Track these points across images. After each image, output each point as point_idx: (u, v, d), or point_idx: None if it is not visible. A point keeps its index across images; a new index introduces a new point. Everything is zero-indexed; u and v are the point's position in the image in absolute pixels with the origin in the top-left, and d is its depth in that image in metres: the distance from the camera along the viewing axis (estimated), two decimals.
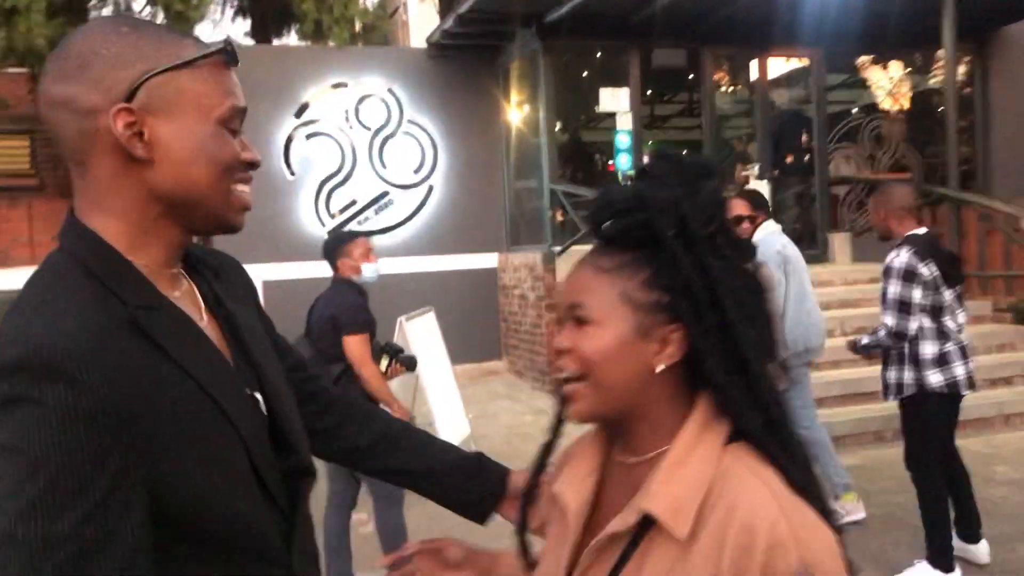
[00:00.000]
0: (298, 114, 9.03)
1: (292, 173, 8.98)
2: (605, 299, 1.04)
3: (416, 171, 9.44)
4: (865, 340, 3.89)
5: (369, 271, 3.96)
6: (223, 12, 10.91)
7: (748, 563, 0.93)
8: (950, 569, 3.73)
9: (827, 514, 0.98)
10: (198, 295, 1.10)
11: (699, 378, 1.03)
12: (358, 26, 9.79)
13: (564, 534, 1.10)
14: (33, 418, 0.85)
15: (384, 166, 9.31)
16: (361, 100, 9.22)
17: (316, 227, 9.04)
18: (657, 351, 1.02)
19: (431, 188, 9.49)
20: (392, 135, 9.34)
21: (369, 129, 9.24)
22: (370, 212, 9.24)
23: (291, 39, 11.53)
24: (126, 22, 1.02)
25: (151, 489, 0.92)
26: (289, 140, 8.98)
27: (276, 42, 11.50)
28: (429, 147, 9.48)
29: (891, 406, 4.07)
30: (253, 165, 1.07)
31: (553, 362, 1.15)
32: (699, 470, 1.00)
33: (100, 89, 0.96)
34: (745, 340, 1.01)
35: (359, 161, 9.20)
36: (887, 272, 3.78)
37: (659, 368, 1.02)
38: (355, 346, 3.81)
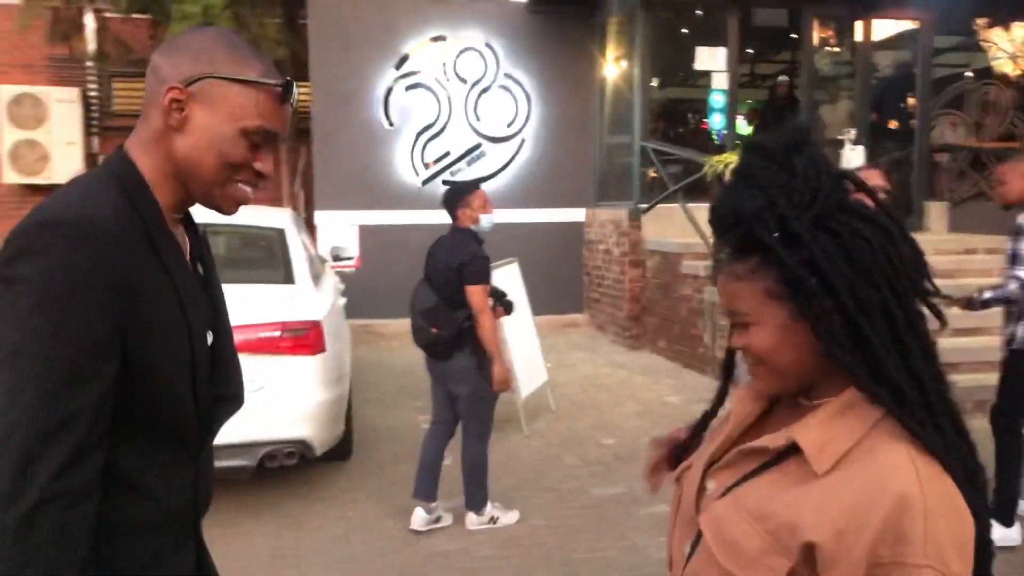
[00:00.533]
0: (398, 66, 9.29)
1: (390, 123, 9.28)
2: (753, 301, 1.14)
3: (509, 124, 9.61)
4: (987, 295, 3.87)
5: (487, 221, 4.21)
6: None
7: (869, 515, 1.00)
8: (1010, 524, 3.89)
9: (977, 505, 1.04)
10: (187, 243, 1.37)
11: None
12: None
13: (721, 432, 1.27)
14: (56, 261, 1.10)
15: (478, 119, 9.51)
16: (459, 53, 9.41)
17: (411, 176, 9.34)
18: (817, 330, 1.10)
19: (523, 142, 9.66)
20: (487, 88, 9.52)
21: (465, 82, 9.44)
22: (462, 164, 9.48)
23: None
24: (227, 35, 1.31)
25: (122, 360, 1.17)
26: (389, 91, 9.26)
27: None
28: (523, 101, 9.63)
29: (971, 377, 4.12)
30: (261, 175, 1.32)
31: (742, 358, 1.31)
32: (853, 424, 1.09)
33: (174, 69, 1.26)
34: (885, 310, 1.07)
35: (454, 113, 9.43)
36: (1019, 231, 3.84)
37: (827, 344, 1.09)
38: (478, 295, 4.04)
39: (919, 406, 1.06)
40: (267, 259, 5.10)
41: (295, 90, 1.31)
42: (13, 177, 10.43)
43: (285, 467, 4.35)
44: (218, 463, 4.17)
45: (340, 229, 9.16)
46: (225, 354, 1.41)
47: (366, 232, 9.21)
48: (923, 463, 1.02)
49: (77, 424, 1.10)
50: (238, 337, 4.12)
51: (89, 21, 10.09)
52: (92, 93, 11.15)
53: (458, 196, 4.20)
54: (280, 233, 5.14)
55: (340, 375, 4.70)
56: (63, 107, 10.69)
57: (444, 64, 9.39)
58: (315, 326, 4.36)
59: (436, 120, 9.41)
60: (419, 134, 9.37)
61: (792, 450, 1.12)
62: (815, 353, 1.11)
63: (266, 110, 1.28)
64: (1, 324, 1.11)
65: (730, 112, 9.11)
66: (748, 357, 1.18)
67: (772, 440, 1.15)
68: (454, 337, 4.05)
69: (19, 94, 10.49)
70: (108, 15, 9.70)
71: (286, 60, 9.99)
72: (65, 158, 10.71)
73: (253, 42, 8.64)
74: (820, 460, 1.08)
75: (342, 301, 5.79)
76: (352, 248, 9.00)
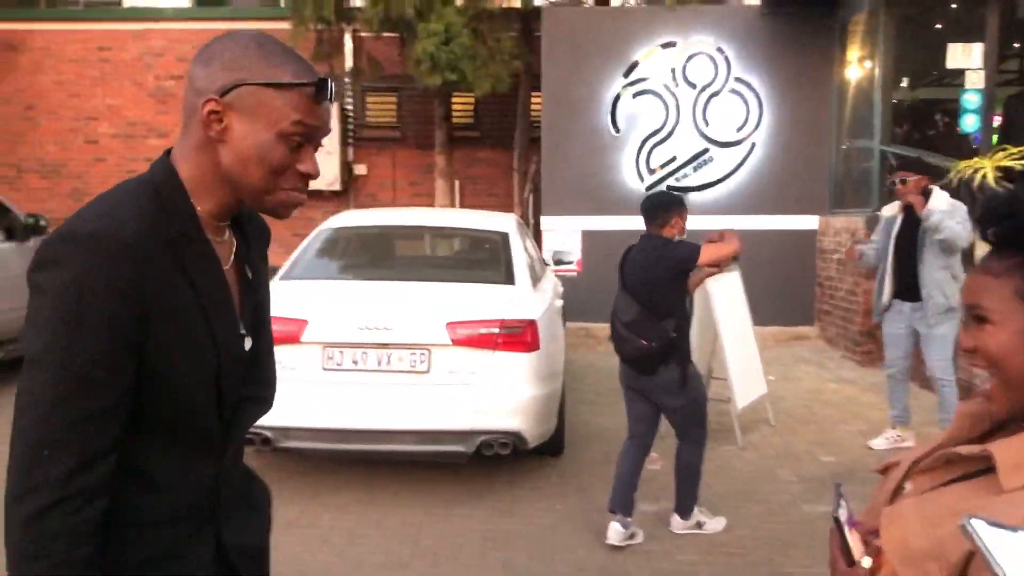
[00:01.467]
0: (627, 73, 9.39)
1: (617, 130, 9.41)
2: (1000, 299, 1.10)
3: (739, 129, 9.42)
4: None
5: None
6: None
7: None
8: None
9: None
10: (233, 248, 1.38)
11: None
12: None
13: (936, 438, 1.26)
14: (71, 275, 1.15)
15: (707, 123, 9.41)
16: (689, 58, 9.36)
17: (635, 182, 9.41)
18: None
19: (753, 146, 9.42)
20: (717, 93, 9.39)
21: (695, 87, 9.37)
22: (688, 169, 9.42)
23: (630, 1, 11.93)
24: (256, 39, 1.28)
25: (137, 367, 1.21)
26: (616, 98, 9.39)
27: (615, 2, 11.94)
28: (755, 105, 9.40)
29: None
30: (306, 176, 1.30)
31: (964, 361, 1.29)
32: None
33: (209, 80, 1.25)
34: None
35: (682, 118, 9.39)
36: None
37: None
38: (708, 252, 4.04)
39: None
40: (490, 261, 5.41)
41: (331, 87, 1.27)
42: None
43: (500, 456, 4.59)
44: (438, 448, 4.51)
45: (565, 234, 9.41)
46: (261, 356, 1.41)
47: (589, 237, 9.40)
48: None
49: (86, 430, 1.16)
50: (463, 332, 4.43)
51: (347, 41, 11.09)
52: (348, 107, 12.23)
53: (675, 208, 4.10)
54: (504, 237, 5.42)
55: (553, 373, 4.88)
56: None
57: (673, 70, 9.38)
58: (531, 325, 4.57)
59: (663, 126, 9.42)
60: (645, 140, 9.43)
61: (990, 467, 1.09)
62: None
63: (303, 111, 1.26)
64: (28, 329, 1.18)
65: (986, 113, 8.35)
66: (979, 361, 1.13)
67: (968, 450, 1.13)
68: (663, 350, 3.95)
69: None
70: (363, 35, 10.61)
71: (521, 72, 10.43)
72: (325, 167, 11.82)
73: (490, 56, 9.14)
74: (1009, 476, 1.05)
75: (559, 303, 5.99)
76: (575, 253, 9.23)
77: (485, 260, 5.56)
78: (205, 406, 1.29)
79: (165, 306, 1.22)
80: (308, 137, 1.28)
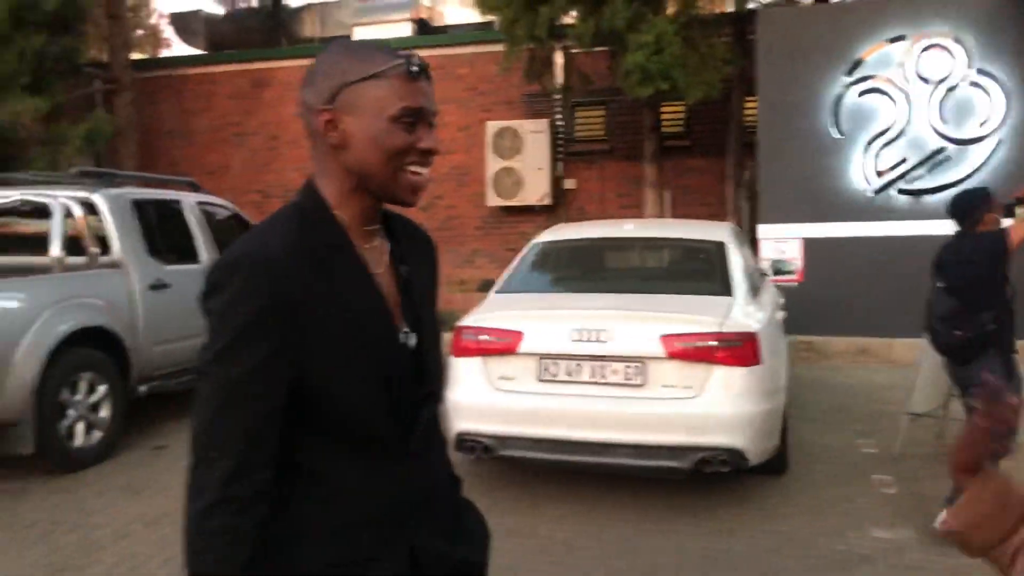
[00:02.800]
0: (849, 72, 8.86)
1: (840, 132, 8.89)
2: None
3: (982, 124, 8.60)
4: None
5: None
6: None
7: None
8: None
9: None
10: (386, 251, 1.44)
11: None
12: None
13: None
14: (228, 297, 1.26)
15: (944, 121, 8.67)
16: (922, 52, 8.68)
17: (861, 186, 8.84)
18: None
19: (999, 143, 8.57)
20: (955, 87, 8.63)
21: (928, 82, 8.67)
22: (922, 170, 8.71)
23: None
24: (345, 46, 1.39)
25: (297, 376, 1.28)
26: (839, 98, 8.88)
27: None
28: (1000, 98, 8.54)
29: None
30: (428, 152, 1.35)
31: None
32: None
33: (316, 94, 1.35)
34: None
35: (914, 116, 8.71)
36: None
37: None
38: (1019, 231, 4.13)
39: None
40: (706, 271, 5.26)
41: (415, 61, 1.33)
42: (495, 200, 12.04)
43: (720, 474, 4.45)
44: (654, 463, 4.43)
45: (784, 242, 9.01)
46: (427, 354, 1.45)
47: (810, 245, 8.94)
48: None
49: (244, 439, 1.26)
50: (679, 345, 4.34)
51: (557, 58, 11.28)
52: (558, 123, 12.43)
53: (977, 208, 4.29)
54: (719, 246, 5.27)
55: (775, 388, 4.66)
56: (535, 137, 12.08)
57: (903, 65, 8.73)
58: (750, 338, 4.40)
59: (892, 125, 8.78)
60: (871, 141, 8.84)
61: None
62: None
63: (403, 92, 1.32)
64: (201, 348, 1.30)
65: None
66: None
67: None
68: (978, 340, 4.11)
69: (501, 128, 12.09)
70: (573, 51, 10.75)
71: (734, 77, 10.14)
72: (535, 182, 12.08)
73: (702, 63, 8.93)
74: None
75: (781, 315, 5.72)
76: (795, 261, 8.81)
77: (701, 271, 5.42)
78: (376, 407, 1.34)
79: (318, 315, 1.29)
80: (417, 115, 1.34)
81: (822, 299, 8.66)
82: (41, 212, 6.02)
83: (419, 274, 1.49)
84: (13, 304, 5.22)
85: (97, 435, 5.69)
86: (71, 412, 5.49)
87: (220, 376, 1.27)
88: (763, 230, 9.17)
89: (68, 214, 5.86)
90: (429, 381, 1.44)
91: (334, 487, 1.34)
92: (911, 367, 5.54)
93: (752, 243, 9.28)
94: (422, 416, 1.42)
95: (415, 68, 1.34)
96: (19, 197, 6.00)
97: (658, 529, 4.34)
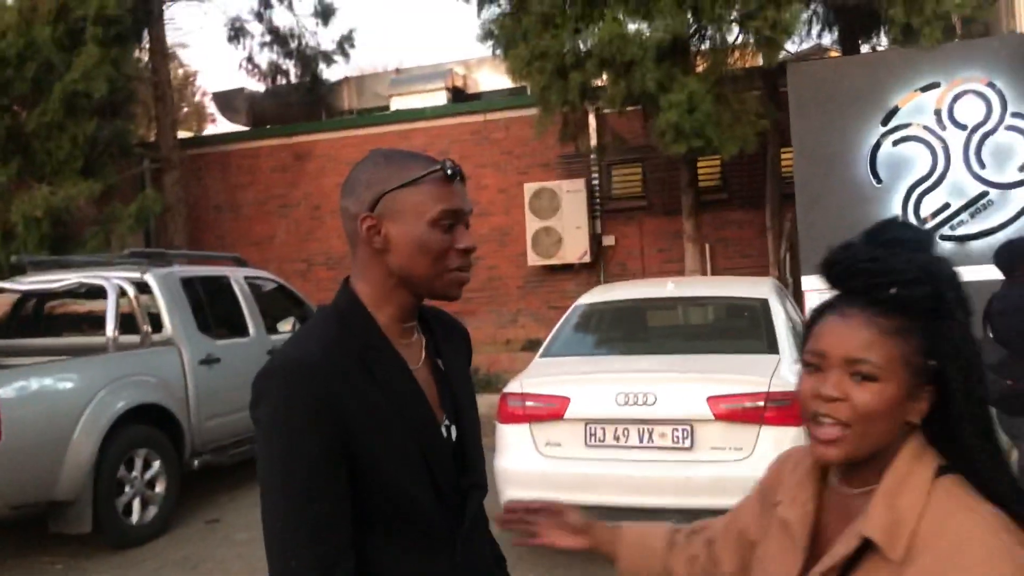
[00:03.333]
0: (885, 120, 8.87)
1: (878, 181, 8.86)
2: (887, 359, 1.11)
3: (1021, 168, 8.52)
4: None
5: None
6: (810, 28, 11.22)
7: None
8: None
9: None
10: (423, 345, 1.48)
11: (932, 428, 1.14)
12: (954, 19, 9.23)
13: (791, 551, 1.22)
14: (275, 405, 1.30)
15: (983, 165, 8.60)
16: (955, 99, 8.67)
17: None
18: (913, 408, 1.13)
19: None
20: (992, 131, 8.58)
21: (964, 128, 8.64)
22: (964, 216, 8.62)
23: (881, 44, 11.33)
24: (382, 154, 1.44)
25: (351, 471, 1.31)
26: (875, 147, 8.87)
27: (864, 49, 11.38)
28: None
29: None
30: (467, 251, 1.41)
31: (806, 404, 1.18)
32: (913, 498, 1.10)
33: (358, 202, 1.40)
34: (984, 402, 1.12)
35: (952, 162, 8.66)
36: None
37: (912, 421, 1.13)
38: None
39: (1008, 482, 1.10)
40: (750, 329, 5.25)
41: (449, 164, 1.39)
42: (535, 259, 12.14)
43: None
44: None
45: (828, 293, 8.91)
46: (469, 444, 1.48)
47: None
48: (998, 523, 1.04)
49: (320, 536, 1.28)
50: (726, 406, 4.32)
51: (591, 120, 11.45)
52: (594, 182, 12.56)
53: (1022, 256, 4.44)
54: (763, 303, 5.25)
55: None
56: (572, 196, 12.21)
57: (938, 112, 8.72)
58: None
59: (931, 172, 8.73)
60: (911, 189, 8.78)
61: (864, 547, 1.09)
62: (894, 431, 1.12)
63: (440, 195, 1.38)
64: (257, 461, 1.34)
65: None
66: (839, 413, 1.11)
67: (846, 546, 1.12)
68: None
69: (538, 189, 12.25)
70: (606, 112, 10.91)
71: (769, 129, 10.20)
72: (574, 240, 12.17)
73: (735, 118, 9.00)
74: (894, 547, 1.06)
75: None
76: None
77: (745, 329, 5.40)
78: (423, 499, 1.37)
79: (362, 413, 1.33)
80: (455, 217, 1.40)
81: None
82: (96, 293, 6.22)
83: (456, 365, 1.53)
84: (69, 384, 5.37)
85: (152, 511, 5.78)
86: (128, 489, 5.60)
87: (282, 483, 1.30)
88: (806, 282, 9.10)
89: (122, 294, 6.04)
90: (472, 471, 1.47)
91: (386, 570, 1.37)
92: None
93: (796, 295, 9.23)
94: (469, 505, 1.45)
95: (450, 171, 1.40)
96: (76, 280, 6.21)
97: None
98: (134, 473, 5.66)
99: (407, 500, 1.36)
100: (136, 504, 5.67)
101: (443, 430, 1.44)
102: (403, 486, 1.35)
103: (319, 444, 1.30)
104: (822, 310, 1.22)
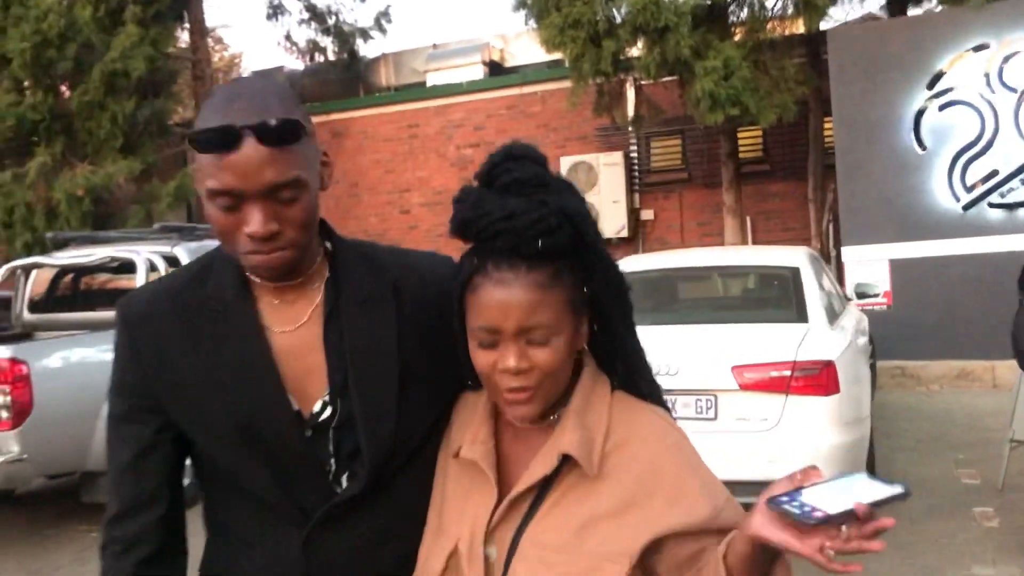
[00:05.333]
0: (930, 85, 8.55)
1: (923, 147, 8.57)
2: (555, 313, 1.12)
3: None
4: None
5: None
6: None
7: (660, 490, 1.11)
8: None
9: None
10: (314, 306, 1.25)
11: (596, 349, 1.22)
12: None
13: (484, 485, 1.19)
14: (115, 342, 1.28)
15: None
16: (1005, 60, 8.32)
17: (949, 203, 8.47)
18: (580, 337, 1.19)
19: None
20: None
21: (1015, 91, 8.29)
22: (1015, 182, 8.29)
23: (931, 6, 10.92)
24: (226, 88, 1.20)
25: (172, 428, 1.25)
26: (920, 113, 8.57)
27: (912, 12, 10.99)
28: None
29: None
30: (254, 238, 1.12)
31: (490, 377, 1.15)
32: (599, 413, 1.17)
33: None
34: (630, 316, 1.22)
35: (1002, 127, 8.33)
36: None
37: (580, 349, 1.20)
38: None
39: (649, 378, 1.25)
40: (780, 298, 5.11)
41: (222, 135, 1.09)
42: None
43: None
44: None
45: (869, 264, 8.68)
46: (362, 422, 1.23)
47: (898, 266, 8.59)
48: (662, 413, 1.22)
49: (123, 481, 1.25)
50: (751, 376, 4.21)
51: (627, 91, 11.25)
52: (632, 155, 12.37)
53: None
54: (794, 272, 5.10)
55: (857, 418, 4.46)
56: (609, 170, 12.05)
57: (987, 74, 8.38)
58: (828, 366, 4.22)
59: (979, 137, 8.41)
60: (958, 155, 8.47)
61: (554, 471, 1.14)
62: (571, 364, 1.18)
63: (212, 168, 1.10)
64: None
65: None
66: (527, 382, 1.12)
67: (544, 466, 1.14)
68: None
69: (575, 163, 12.11)
70: (643, 83, 10.71)
71: (811, 98, 9.92)
72: (612, 215, 12.02)
73: (773, 86, 8.76)
74: (591, 461, 1.12)
75: (862, 340, 5.50)
76: (881, 284, 8.46)
77: (775, 298, 5.26)
78: (252, 474, 1.22)
79: (173, 371, 1.22)
80: (233, 197, 1.11)
81: (914, 322, 8.30)
82: (128, 267, 6.29)
83: (367, 330, 1.25)
84: (100, 356, 5.44)
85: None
86: None
87: (109, 420, 1.29)
88: (847, 253, 8.86)
89: (152, 268, 6.10)
90: (349, 459, 1.24)
91: (241, 540, 1.28)
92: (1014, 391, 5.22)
93: (838, 268, 9.00)
94: (344, 490, 1.24)
95: (216, 146, 1.11)
96: (108, 254, 6.28)
97: None
98: None
99: (234, 468, 1.23)
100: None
101: (317, 405, 1.24)
102: (227, 455, 1.23)
103: (126, 392, 1.26)
104: (470, 276, 1.15)
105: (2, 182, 10.26)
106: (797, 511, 0.93)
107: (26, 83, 10.61)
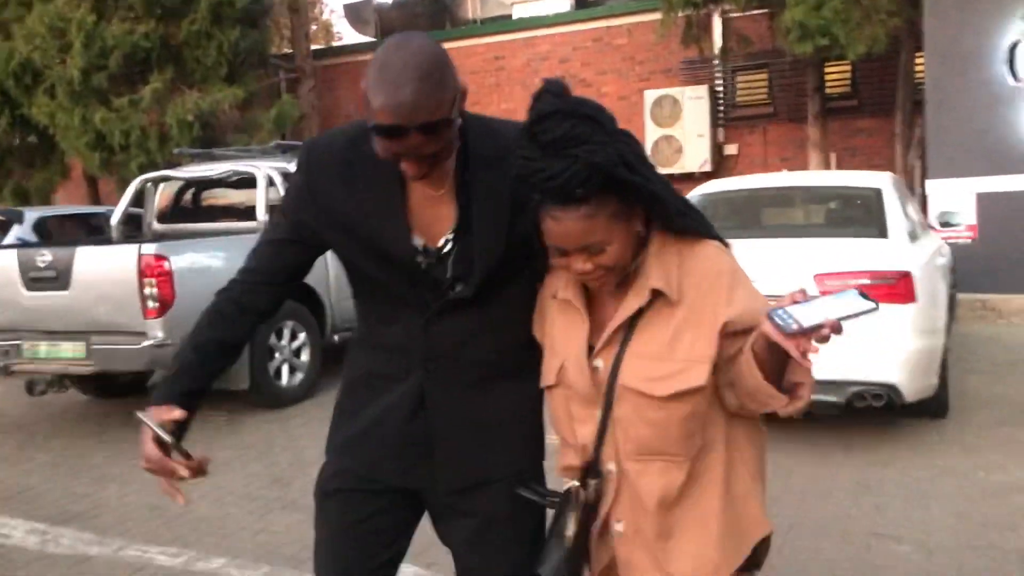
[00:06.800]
0: None
1: (1016, 79, 8.49)
2: (605, 229, 1.42)
3: None
4: None
5: None
6: None
7: (720, 297, 1.44)
8: None
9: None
10: (452, 171, 1.58)
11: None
12: None
13: (577, 320, 1.56)
14: (292, 180, 1.69)
15: None
16: None
17: None
18: (637, 222, 1.48)
19: None
20: None
21: None
22: None
23: None
24: (378, 62, 1.46)
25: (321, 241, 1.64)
26: (1014, 45, 8.46)
27: None
28: None
29: None
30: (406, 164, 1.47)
31: (579, 276, 1.50)
32: (670, 253, 1.50)
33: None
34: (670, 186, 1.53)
35: None
36: None
37: (640, 230, 1.49)
38: None
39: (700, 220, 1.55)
40: (862, 217, 5.33)
41: (387, 125, 1.39)
42: None
43: (874, 410, 4.56)
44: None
45: (956, 198, 8.70)
46: (469, 253, 1.58)
47: (985, 200, 8.60)
48: (715, 243, 1.54)
49: (257, 253, 1.68)
50: (832, 284, 4.47)
51: (715, 23, 11.29)
52: (718, 88, 12.41)
53: None
54: (877, 192, 5.31)
55: (933, 328, 4.71)
56: (694, 103, 12.14)
57: None
58: (905, 276, 4.47)
59: None
60: None
61: (641, 308, 1.48)
62: (636, 243, 1.49)
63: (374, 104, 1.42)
64: None
65: None
66: (597, 274, 1.45)
67: (638, 299, 1.48)
68: None
69: (659, 96, 12.24)
70: (731, 15, 10.74)
71: (902, 31, 9.83)
72: (695, 149, 12.15)
73: (865, 17, 8.73)
74: (672, 291, 1.47)
75: (941, 260, 5.70)
76: (966, 217, 8.50)
77: (857, 216, 5.48)
78: (389, 278, 1.61)
79: (334, 206, 1.59)
80: (389, 131, 1.41)
81: (999, 256, 8.34)
82: (245, 183, 6.82)
83: (486, 190, 1.58)
84: (228, 259, 5.98)
85: (299, 376, 6.45)
86: (277, 355, 6.27)
87: (272, 217, 1.73)
88: (931, 186, 8.90)
89: (271, 182, 6.62)
90: (459, 270, 1.60)
91: (377, 317, 1.68)
92: None
93: (921, 202, 9.04)
94: (446, 308, 1.61)
95: (387, 129, 1.41)
96: (230, 168, 6.82)
97: (811, 460, 4.52)
98: (283, 342, 6.32)
99: (375, 278, 1.63)
100: (284, 370, 6.34)
101: (442, 240, 1.60)
102: (367, 269, 1.62)
103: (290, 209, 1.65)
104: (536, 208, 1.45)
105: (119, 107, 10.93)
106: (781, 322, 1.27)
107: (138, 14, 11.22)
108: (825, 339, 1.26)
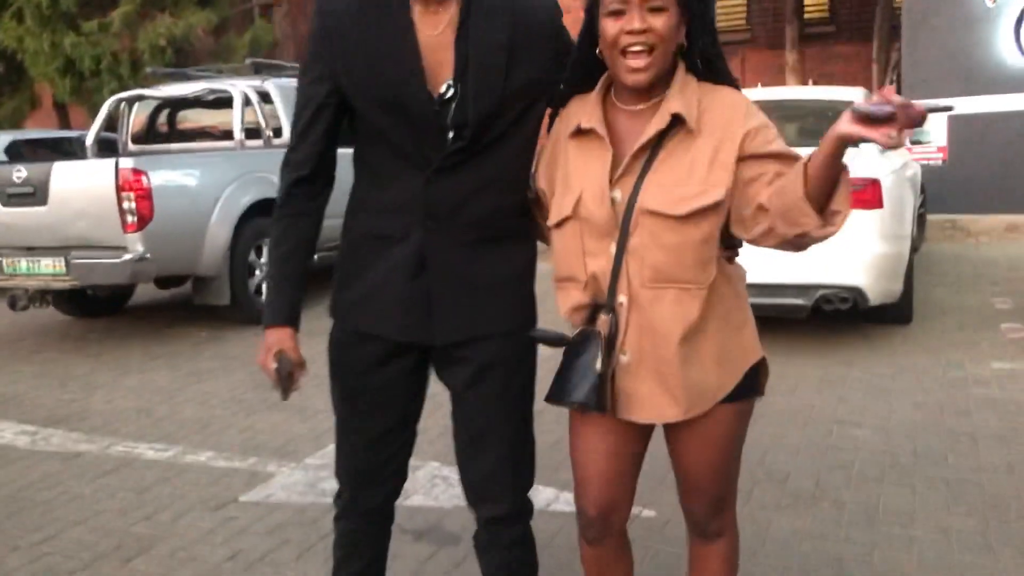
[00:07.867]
0: None
1: (992, 1, 8.52)
2: None
3: None
4: None
5: None
6: None
7: (737, 121, 1.53)
8: None
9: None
10: (447, 17, 1.65)
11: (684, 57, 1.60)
12: None
13: (600, 146, 1.60)
14: (311, 23, 1.72)
15: None
16: None
17: (1013, 57, 8.48)
18: (680, 33, 1.55)
19: None
20: None
21: None
22: None
23: None
24: None
25: (340, 92, 1.69)
26: None
27: None
28: None
29: None
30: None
31: (616, 43, 1.54)
32: (692, 90, 1.58)
33: None
34: (712, 25, 1.61)
35: None
36: None
37: (681, 43, 1.56)
38: None
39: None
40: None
41: None
42: None
43: (841, 313, 4.71)
44: (777, 301, 4.76)
45: (929, 119, 8.77)
46: (470, 99, 1.64)
47: (956, 122, 8.70)
48: (736, 88, 1.63)
49: (299, 126, 1.74)
50: None
51: None
52: None
53: None
54: (847, 106, 5.38)
55: (899, 234, 4.85)
56: None
57: None
58: (874, 183, 4.59)
59: None
60: None
61: (663, 132, 1.55)
62: (674, 52, 1.55)
63: None
64: None
65: None
66: (642, 42, 1.49)
67: (660, 122, 1.54)
68: None
69: None
70: None
71: None
72: None
73: None
74: (691, 118, 1.54)
75: (910, 172, 5.82)
76: (937, 137, 8.61)
77: (829, 127, 5.56)
78: (394, 128, 1.66)
79: (349, 50, 1.65)
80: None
81: (968, 177, 8.48)
82: (221, 103, 6.78)
83: (486, 38, 1.65)
84: (207, 175, 6.01)
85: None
86: (258, 272, 6.32)
87: (301, 83, 1.75)
88: None
89: (247, 101, 6.58)
90: (461, 118, 1.65)
91: (378, 177, 1.73)
92: None
93: None
94: (450, 143, 1.66)
95: None
96: (206, 87, 6.78)
97: (778, 360, 4.66)
98: (263, 259, 6.36)
99: (380, 128, 1.68)
100: (265, 287, 6.40)
101: (444, 86, 1.65)
102: (374, 118, 1.67)
103: (314, 58, 1.70)
104: None
105: (89, 31, 10.73)
106: (874, 108, 1.36)
107: None
108: (916, 119, 1.32)
